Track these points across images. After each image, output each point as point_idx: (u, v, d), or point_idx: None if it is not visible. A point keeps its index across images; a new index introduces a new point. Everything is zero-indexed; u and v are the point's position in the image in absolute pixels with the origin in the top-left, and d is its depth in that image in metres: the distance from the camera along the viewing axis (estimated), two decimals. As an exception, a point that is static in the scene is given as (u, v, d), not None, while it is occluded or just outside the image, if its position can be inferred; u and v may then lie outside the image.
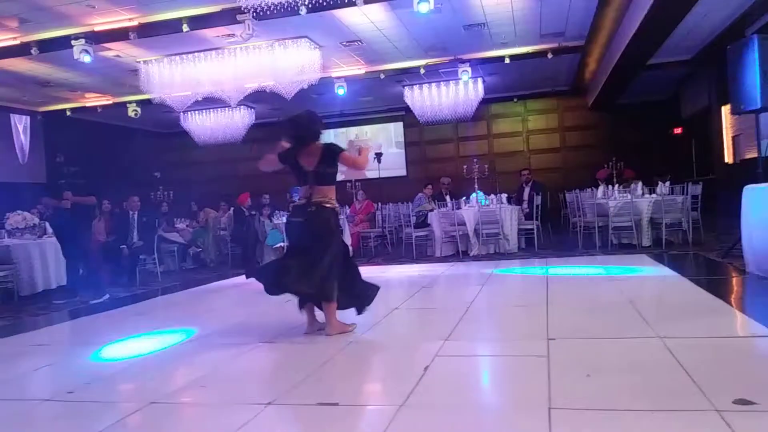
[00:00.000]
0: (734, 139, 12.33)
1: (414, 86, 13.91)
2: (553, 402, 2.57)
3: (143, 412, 2.87)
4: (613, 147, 14.49)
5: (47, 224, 8.40)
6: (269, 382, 3.38)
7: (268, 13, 8.63)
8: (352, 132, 17.23)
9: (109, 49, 10.33)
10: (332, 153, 4.38)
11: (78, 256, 7.25)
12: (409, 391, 2.83)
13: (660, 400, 2.53)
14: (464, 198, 10.07)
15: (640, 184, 9.45)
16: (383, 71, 12.67)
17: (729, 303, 4.70)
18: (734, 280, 5.78)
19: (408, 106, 14.37)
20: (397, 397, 2.74)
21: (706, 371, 2.84)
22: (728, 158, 12.57)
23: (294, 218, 4.42)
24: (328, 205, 4.31)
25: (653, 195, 8.97)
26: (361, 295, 4.38)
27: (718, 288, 5.32)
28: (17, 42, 9.72)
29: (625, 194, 9.11)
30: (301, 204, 4.36)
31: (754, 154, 10.50)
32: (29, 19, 9.03)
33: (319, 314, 4.36)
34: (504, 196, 9.89)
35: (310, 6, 8.52)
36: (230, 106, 13.14)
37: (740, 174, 10.01)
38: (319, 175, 4.33)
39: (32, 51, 9.72)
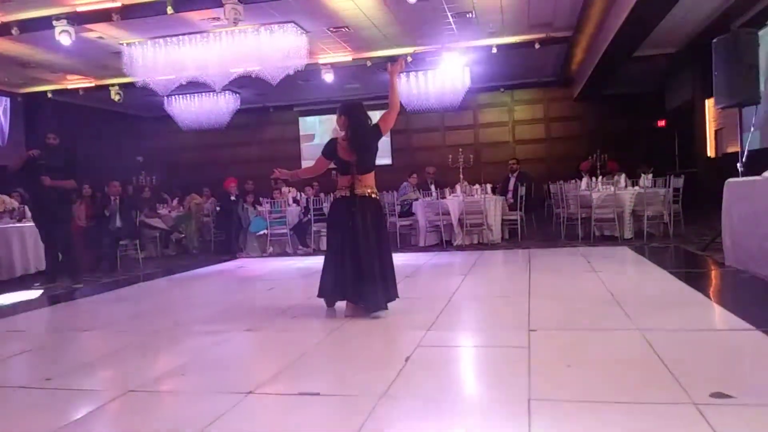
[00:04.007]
0: (717, 132, 12.44)
1: (401, 74, 13.84)
2: (533, 393, 2.58)
3: (121, 400, 2.84)
4: (598, 138, 14.57)
5: (26, 208, 8.29)
6: (250, 371, 3.36)
7: (255, -4, 8.53)
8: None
9: (92, 30, 10.14)
10: (376, 136, 4.47)
11: (56, 241, 7.15)
12: (390, 382, 2.83)
13: (638, 392, 2.55)
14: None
15: (623, 176, 9.51)
16: (370, 58, 12.58)
17: (708, 296, 4.75)
18: (713, 273, 5.85)
19: (395, 93, 14.25)
20: (377, 387, 2.74)
21: (684, 364, 2.87)
22: (710, 152, 12.68)
23: (342, 210, 4.42)
24: (374, 196, 4.46)
25: (636, 187, 9.04)
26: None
27: (697, 281, 5.39)
28: (-3, 21, 9.52)
29: (608, 186, 9.16)
30: (345, 196, 4.40)
31: (736, 149, 10.59)
32: (9, -2, 8.85)
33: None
34: (488, 186, 9.91)
35: (297, -10, 8.43)
36: (215, 90, 12.97)
37: (722, 168, 10.10)
38: (363, 164, 4.41)
39: (13, 31, 9.51)
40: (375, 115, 4.53)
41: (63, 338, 4.47)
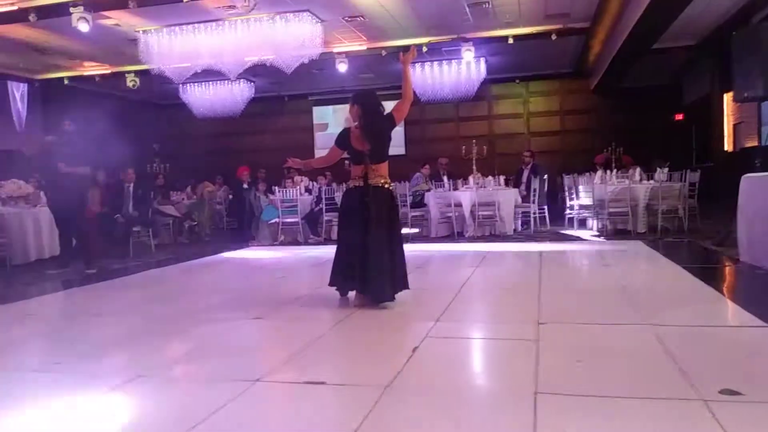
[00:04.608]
0: (735, 127, 12.25)
1: (416, 64, 13.73)
2: (540, 387, 2.57)
3: (130, 386, 2.87)
4: (613, 132, 14.37)
5: (42, 193, 8.36)
6: (257, 359, 3.38)
7: (270, -16, 8.50)
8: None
9: (108, 17, 10.17)
10: (389, 126, 4.44)
11: (70, 227, 7.20)
12: (397, 372, 2.83)
13: (647, 387, 2.53)
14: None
15: (638, 169, 9.41)
16: (385, 48, 12.48)
17: (721, 292, 4.71)
18: (727, 269, 5.79)
19: (409, 84, 14.18)
20: (384, 378, 2.74)
21: (694, 360, 2.85)
22: (728, 146, 12.51)
23: (355, 200, 4.40)
24: (388, 186, 4.44)
25: (651, 181, 8.95)
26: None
27: (710, 276, 5.32)
28: (15, 8, 9.55)
29: (622, 180, 9.08)
30: (358, 186, 4.39)
31: (755, 143, 10.46)
32: (27, -15, 8.90)
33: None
34: (502, 178, 9.85)
35: (312, -21, 8.39)
36: (230, 79, 12.98)
37: (739, 162, 9.95)
38: (377, 153, 4.39)
39: (30, 17, 9.55)
40: (389, 105, 4.50)
41: (74, 323, 4.52)
